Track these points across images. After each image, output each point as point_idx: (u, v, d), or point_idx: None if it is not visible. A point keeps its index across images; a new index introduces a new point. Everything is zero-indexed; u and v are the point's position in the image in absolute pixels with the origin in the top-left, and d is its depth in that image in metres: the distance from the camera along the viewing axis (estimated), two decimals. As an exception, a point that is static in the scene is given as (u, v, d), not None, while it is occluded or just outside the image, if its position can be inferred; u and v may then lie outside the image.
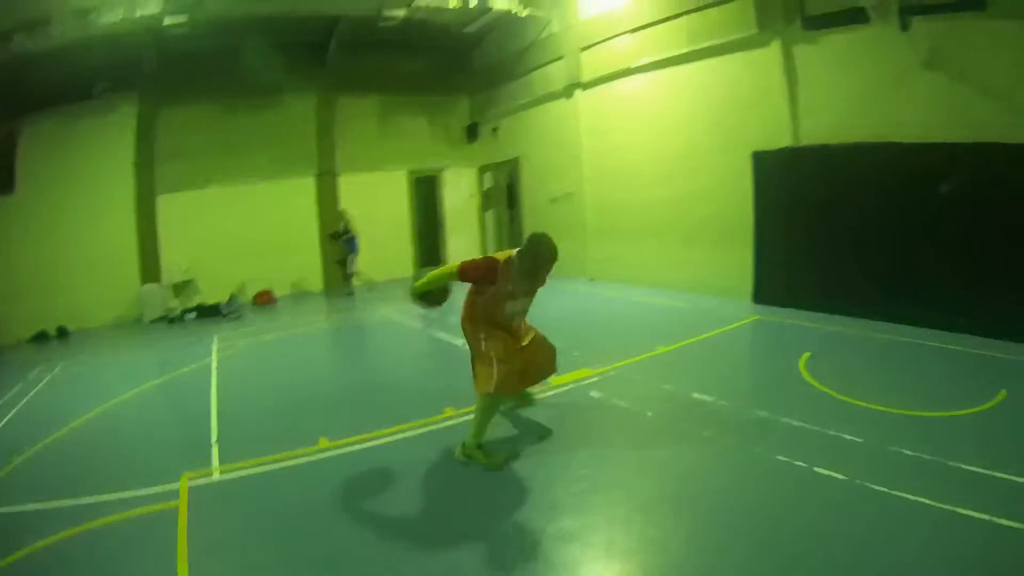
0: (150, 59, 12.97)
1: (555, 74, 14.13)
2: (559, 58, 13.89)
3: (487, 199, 18.12)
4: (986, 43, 7.13)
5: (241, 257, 14.69)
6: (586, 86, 13.25)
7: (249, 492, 4.71)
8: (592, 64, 12.98)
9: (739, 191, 9.83)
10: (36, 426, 6.68)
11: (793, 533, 3.59)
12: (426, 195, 17.73)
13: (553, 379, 6.25)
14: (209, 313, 13.55)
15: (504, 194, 17.36)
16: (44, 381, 8.91)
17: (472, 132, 17.70)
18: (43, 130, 12.60)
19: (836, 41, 8.64)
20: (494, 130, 16.95)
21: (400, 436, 5.52)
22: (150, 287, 13.69)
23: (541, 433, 5.34)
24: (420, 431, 5.60)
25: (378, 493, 4.57)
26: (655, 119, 11.73)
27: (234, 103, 14.58)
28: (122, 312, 13.64)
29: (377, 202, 16.53)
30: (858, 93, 8.49)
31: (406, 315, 11.17)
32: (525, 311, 5.16)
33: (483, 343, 4.87)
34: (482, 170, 17.98)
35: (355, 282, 15.07)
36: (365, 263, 15.04)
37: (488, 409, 4.82)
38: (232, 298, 13.94)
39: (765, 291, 9.66)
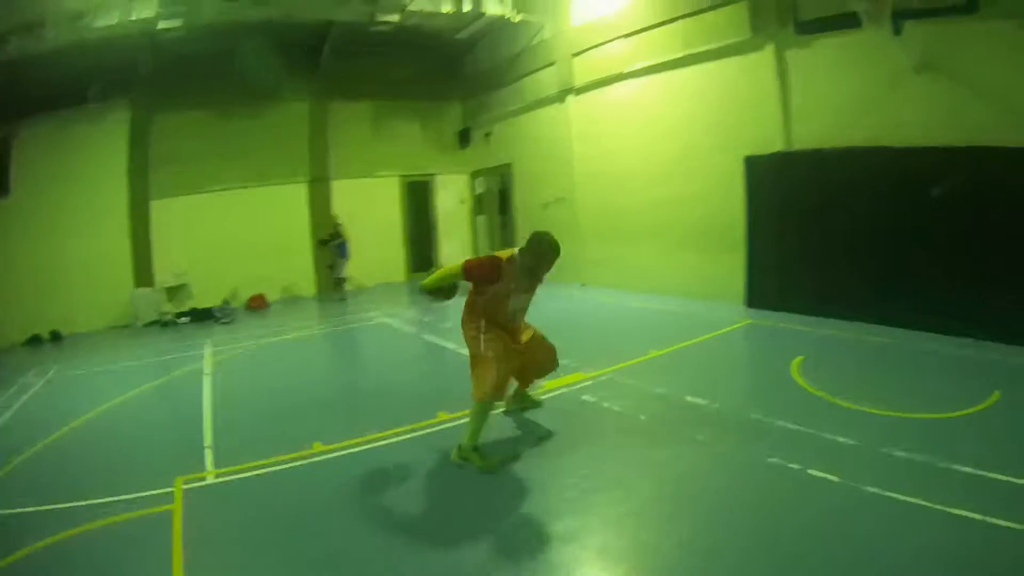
0: (145, 63, 12.98)
1: (547, 79, 14.16)
2: (551, 64, 13.92)
3: (479, 204, 18.14)
4: (979, 46, 7.17)
5: (234, 261, 14.69)
6: (578, 91, 13.28)
7: (243, 495, 4.70)
8: (584, 69, 13.01)
9: (732, 196, 9.86)
10: (31, 429, 6.66)
11: (787, 535, 3.59)
12: (418, 200, 17.74)
13: (546, 383, 6.29)
14: (202, 317, 13.53)
15: (496, 199, 17.40)
16: (38, 385, 8.87)
17: (464, 137, 17.72)
18: (38, 134, 12.62)
19: (829, 45, 8.68)
20: (486, 135, 16.96)
21: (394, 440, 5.50)
22: (143, 291, 13.67)
23: (537, 436, 5.34)
24: (414, 435, 5.58)
25: (373, 496, 4.56)
26: (647, 124, 11.76)
27: (227, 108, 14.60)
28: (115, 316, 13.63)
29: (370, 207, 16.56)
30: (851, 97, 8.53)
31: (399, 319, 11.16)
32: (525, 309, 5.25)
33: (482, 343, 4.91)
34: (474, 175, 18.01)
35: (347, 287, 15.06)
36: (358, 268, 15.05)
37: (483, 412, 4.84)
38: (225, 302, 13.91)
39: (758, 295, 9.67)
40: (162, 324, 13.39)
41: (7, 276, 12.20)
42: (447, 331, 9.94)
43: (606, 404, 6.00)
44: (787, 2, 9.06)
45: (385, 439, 5.51)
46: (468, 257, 5.24)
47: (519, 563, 3.51)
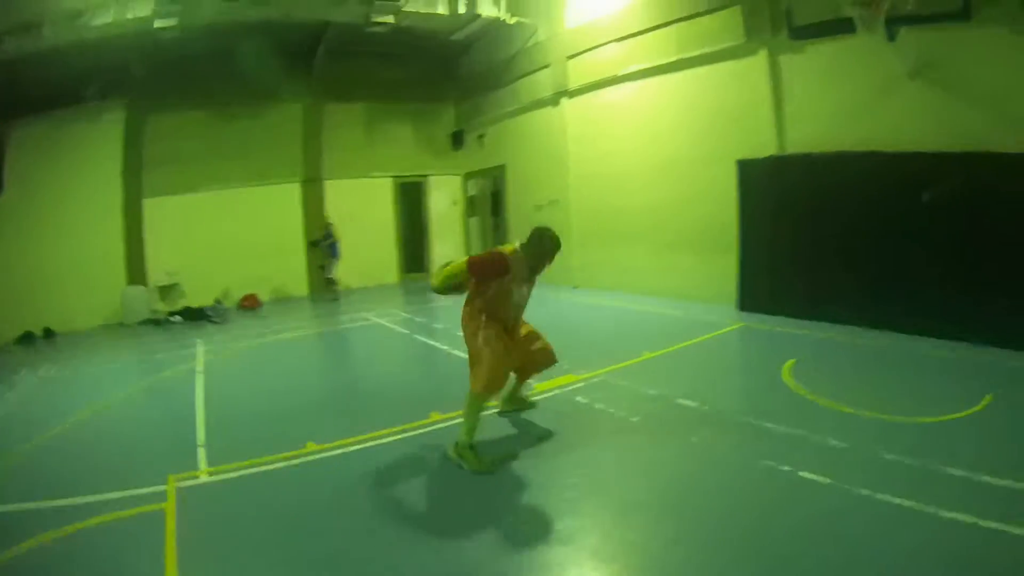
0: (140, 63, 12.94)
1: (541, 82, 14.20)
2: (546, 66, 13.96)
3: (472, 206, 18.17)
4: (973, 53, 7.25)
5: (227, 261, 14.69)
6: (572, 94, 13.32)
7: (236, 493, 4.68)
8: (579, 72, 13.06)
9: (724, 199, 9.90)
10: (23, 427, 6.63)
11: (779, 536, 3.60)
12: (411, 202, 17.76)
13: (537, 385, 6.32)
14: (195, 316, 13.47)
15: (489, 201, 17.41)
16: (31, 382, 8.82)
17: (458, 139, 17.76)
18: (33, 132, 12.58)
19: (823, 51, 8.75)
20: (480, 137, 16.99)
21: (387, 440, 5.49)
22: (134, 289, 13.63)
23: (533, 437, 5.33)
24: (406, 435, 5.57)
25: (368, 495, 4.53)
26: (641, 127, 11.81)
27: (221, 108, 14.61)
28: (108, 314, 13.57)
29: (363, 208, 16.61)
30: (845, 102, 8.59)
31: (391, 320, 11.15)
32: (524, 305, 5.31)
33: (480, 339, 4.95)
34: (467, 177, 18.05)
35: (338, 287, 15.06)
36: (350, 268, 15.04)
37: (476, 406, 4.87)
38: (217, 302, 13.88)
39: (750, 298, 9.72)
40: (155, 323, 13.33)
41: (0, 273, 12.14)
42: (438, 332, 9.95)
43: (599, 406, 6.00)
44: (781, 7, 9.14)
45: (378, 439, 5.50)
46: (468, 257, 5.26)
47: (519, 563, 3.52)
